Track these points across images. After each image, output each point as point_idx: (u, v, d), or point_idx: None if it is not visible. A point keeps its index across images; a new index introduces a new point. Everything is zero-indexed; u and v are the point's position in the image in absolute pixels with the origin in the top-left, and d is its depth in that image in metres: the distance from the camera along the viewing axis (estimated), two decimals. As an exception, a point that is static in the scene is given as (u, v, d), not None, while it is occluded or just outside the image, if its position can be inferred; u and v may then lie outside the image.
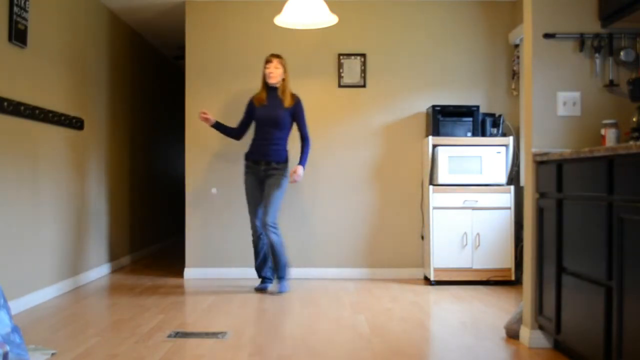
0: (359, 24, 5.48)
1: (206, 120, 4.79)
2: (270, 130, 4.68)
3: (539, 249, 3.18)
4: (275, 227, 4.64)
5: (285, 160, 4.73)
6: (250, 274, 5.37)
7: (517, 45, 5.36)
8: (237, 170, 5.38)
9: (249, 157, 4.78)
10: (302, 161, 4.75)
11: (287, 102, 4.69)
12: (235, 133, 4.92)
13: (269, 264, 4.83)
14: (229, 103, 5.43)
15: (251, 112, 4.81)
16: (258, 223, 4.73)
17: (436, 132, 5.10)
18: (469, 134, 5.11)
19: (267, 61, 4.69)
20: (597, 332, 2.54)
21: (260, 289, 4.76)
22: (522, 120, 5.33)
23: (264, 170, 4.69)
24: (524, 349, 3.17)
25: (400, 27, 5.48)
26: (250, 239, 5.12)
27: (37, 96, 4.25)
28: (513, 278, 4.99)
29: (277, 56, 4.71)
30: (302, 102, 4.80)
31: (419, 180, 5.44)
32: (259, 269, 4.84)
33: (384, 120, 5.47)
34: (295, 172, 4.71)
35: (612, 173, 2.45)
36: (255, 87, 5.21)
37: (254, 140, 4.78)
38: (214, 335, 3.41)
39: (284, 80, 4.71)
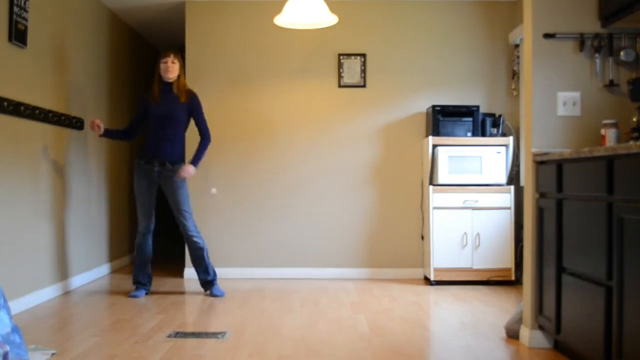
0: (359, 24, 5.47)
1: (98, 128, 4.50)
2: (164, 127, 4.48)
3: (539, 249, 3.18)
4: (198, 232, 4.59)
5: (180, 160, 4.54)
6: (250, 273, 5.37)
7: (517, 45, 5.36)
8: (237, 170, 5.38)
9: (142, 156, 4.52)
10: (194, 160, 4.53)
11: (183, 98, 4.52)
12: (127, 134, 4.68)
13: (148, 270, 4.60)
14: (229, 102, 5.42)
15: (145, 108, 4.56)
16: (147, 224, 4.54)
17: (436, 132, 5.09)
18: (469, 134, 5.11)
19: (164, 55, 4.51)
20: (597, 332, 2.54)
21: (135, 296, 4.49)
22: (522, 120, 5.33)
23: (158, 172, 4.48)
24: (524, 349, 3.17)
25: (400, 27, 5.48)
26: (252, 238, 5.11)
27: (37, 96, 4.25)
28: (513, 278, 4.99)
29: (174, 51, 4.56)
30: (199, 98, 4.62)
31: (419, 180, 5.44)
32: (138, 273, 4.59)
33: (384, 120, 5.46)
34: (183, 169, 4.47)
35: (612, 173, 2.45)
36: (255, 87, 5.21)
37: (148, 139, 4.53)
38: (214, 335, 3.41)
39: (179, 76, 4.56)
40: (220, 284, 4.78)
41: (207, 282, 4.63)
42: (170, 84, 4.53)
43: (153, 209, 4.60)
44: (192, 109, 4.56)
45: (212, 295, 4.57)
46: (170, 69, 4.49)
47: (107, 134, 4.64)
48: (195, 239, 4.56)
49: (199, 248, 4.57)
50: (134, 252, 4.58)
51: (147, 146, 4.54)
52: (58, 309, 4.08)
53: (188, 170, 4.51)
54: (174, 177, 4.48)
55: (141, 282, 4.59)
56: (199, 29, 5.48)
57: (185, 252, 5.44)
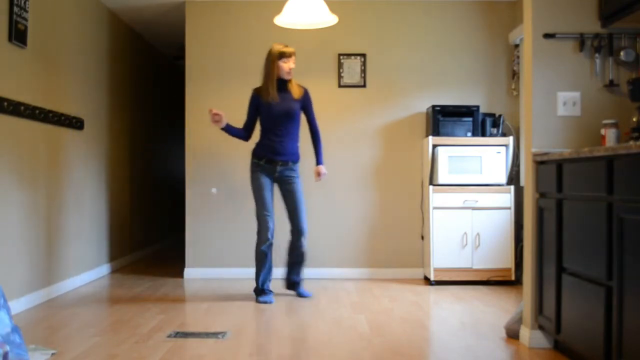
0: (359, 24, 5.48)
1: (218, 122, 4.36)
2: (285, 125, 4.39)
3: (539, 249, 3.18)
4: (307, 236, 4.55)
5: (299, 158, 4.53)
6: (250, 273, 5.36)
7: (517, 45, 5.36)
8: (237, 170, 5.38)
9: (262, 155, 4.41)
10: (320, 160, 4.57)
11: (296, 94, 4.45)
12: (244, 134, 4.55)
13: (271, 276, 4.53)
14: (229, 103, 5.42)
15: (258, 108, 4.45)
16: (273, 226, 4.44)
17: (436, 132, 5.10)
18: (469, 134, 5.11)
19: (287, 55, 4.35)
20: (597, 332, 2.54)
21: (270, 302, 4.37)
22: (522, 120, 5.33)
23: (280, 171, 4.42)
24: (524, 349, 3.17)
25: (400, 27, 5.48)
26: (252, 238, 5.09)
27: (37, 96, 4.25)
28: (513, 278, 4.99)
29: (294, 50, 4.45)
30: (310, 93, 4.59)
31: (419, 180, 5.44)
32: (265, 281, 4.48)
33: (384, 120, 5.47)
34: (319, 173, 4.53)
35: (612, 173, 2.45)
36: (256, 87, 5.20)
37: (267, 138, 4.42)
38: (214, 335, 3.41)
39: None
40: (220, 284, 4.78)
41: (297, 283, 4.59)
42: (286, 81, 4.44)
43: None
44: (306, 103, 4.51)
45: (299, 295, 4.55)
46: (292, 70, 4.42)
47: (228, 128, 4.46)
48: (305, 242, 4.48)
49: (300, 253, 4.49)
50: (259, 257, 4.46)
51: (267, 146, 4.41)
52: (58, 309, 4.08)
53: (323, 172, 4.54)
54: (296, 176, 4.48)
55: (269, 289, 4.49)
56: (199, 29, 5.48)
57: (185, 252, 5.45)
